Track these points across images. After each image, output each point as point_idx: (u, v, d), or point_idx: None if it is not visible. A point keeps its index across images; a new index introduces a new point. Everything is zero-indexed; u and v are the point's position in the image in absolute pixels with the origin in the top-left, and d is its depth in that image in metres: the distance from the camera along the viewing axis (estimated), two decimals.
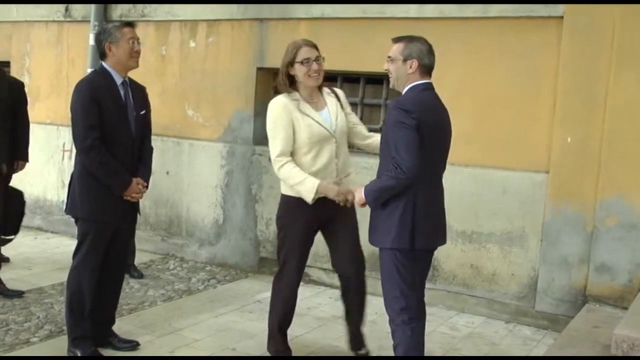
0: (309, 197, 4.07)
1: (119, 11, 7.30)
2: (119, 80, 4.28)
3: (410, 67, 3.64)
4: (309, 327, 5.20)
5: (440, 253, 5.58)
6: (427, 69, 3.69)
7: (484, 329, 5.04)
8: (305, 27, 6.32)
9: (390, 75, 3.75)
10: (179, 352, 4.56)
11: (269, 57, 6.56)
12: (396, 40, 3.74)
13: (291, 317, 4.48)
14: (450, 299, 5.70)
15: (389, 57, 3.73)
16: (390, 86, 3.83)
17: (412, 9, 5.77)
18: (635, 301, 4.48)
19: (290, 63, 4.23)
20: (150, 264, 6.76)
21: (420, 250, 3.65)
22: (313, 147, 4.17)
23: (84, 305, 4.31)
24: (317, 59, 4.22)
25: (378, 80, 6.17)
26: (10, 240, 5.78)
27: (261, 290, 6.02)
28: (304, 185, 4.08)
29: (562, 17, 5.20)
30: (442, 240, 3.83)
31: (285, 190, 4.27)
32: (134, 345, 4.59)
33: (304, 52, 4.20)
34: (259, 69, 6.67)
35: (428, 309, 3.89)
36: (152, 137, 4.63)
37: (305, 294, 5.96)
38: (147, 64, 6.59)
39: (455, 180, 5.47)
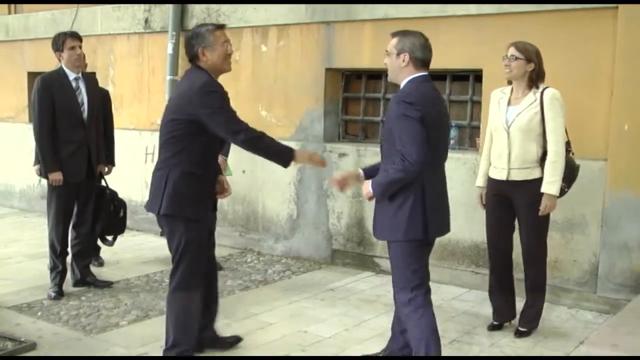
0: None
1: (194, 20, 7.73)
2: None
3: (403, 60, 3.78)
4: (378, 312, 5.47)
5: None
6: (420, 62, 3.81)
7: (546, 313, 5.19)
8: (369, 28, 6.61)
9: (388, 69, 3.91)
10: (254, 335, 4.90)
11: (336, 58, 6.88)
12: (393, 35, 3.91)
13: None
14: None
15: (386, 51, 3.89)
16: (388, 79, 4.00)
17: (472, 7, 5.97)
18: None
19: None
20: (228, 257, 7.16)
21: (431, 240, 3.88)
22: None
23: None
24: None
25: (441, 76, 6.40)
26: (110, 242, 6.07)
27: (334, 280, 6.33)
28: None
29: (617, 8, 5.32)
30: (447, 229, 3.99)
31: None
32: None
33: None
34: (327, 70, 6.98)
35: None
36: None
37: (375, 282, 6.28)
38: None
39: None
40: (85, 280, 5.96)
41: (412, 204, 3.71)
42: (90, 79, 5.95)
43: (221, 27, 4.18)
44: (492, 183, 4.86)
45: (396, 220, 3.76)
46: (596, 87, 5.46)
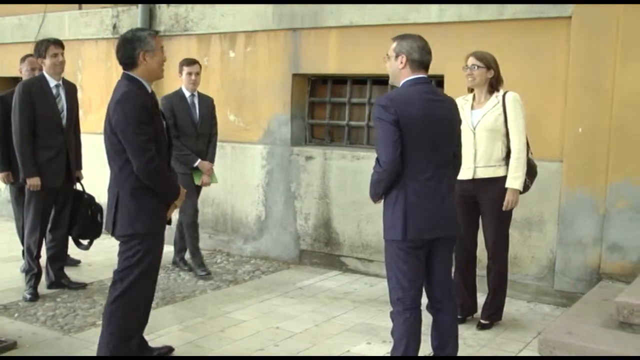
0: None
1: (162, 27, 7.88)
2: (149, 89, 4.16)
3: (401, 62, 3.82)
4: (346, 308, 5.68)
5: None
6: (418, 64, 3.82)
7: (506, 307, 5.44)
8: (335, 35, 6.84)
9: (388, 72, 3.97)
10: (228, 331, 5.09)
11: (302, 63, 7.08)
12: (393, 39, 3.96)
13: None
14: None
15: (386, 54, 3.95)
16: (390, 82, 4.11)
17: (432, 15, 6.23)
18: None
19: None
20: None
21: (414, 241, 3.75)
22: None
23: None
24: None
25: None
26: (86, 246, 6.05)
27: (302, 279, 6.53)
28: None
29: (570, 17, 5.62)
30: (444, 231, 3.84)
31: None
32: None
33: None
34: (294, 75, 7.18)
35: None
36: None
37: (343, 280, 6.49)
38: None
39: None
40: (60, 282, 6.07)
41: (394, 205, 3.76)
42: (70, 86, 6.07)
43: (157, 33, 4.25)
44: (457, 184, 5.06)
45: (385, 219, 3.85)
46: (552, 93, 5.76)
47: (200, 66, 6.62)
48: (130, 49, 4.06)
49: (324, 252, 6.98)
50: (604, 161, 5.51)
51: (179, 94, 6.52)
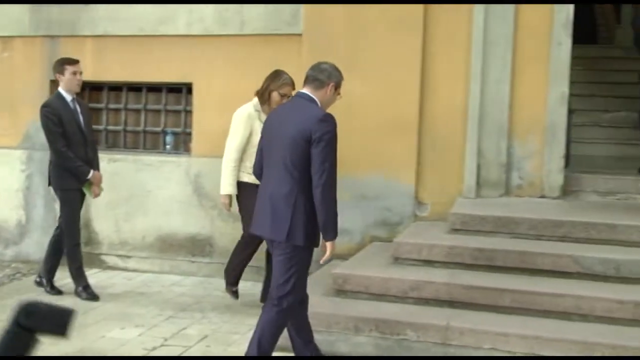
0: None
1: None
2: None
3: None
4: (104, 301, 6.08)
5: (215, 232, 6.70)
6: (305, 81, 4.26)
7: (252, 289, 6.12)
8: (91, 44, 7.17)
9: None
10: None
11: None
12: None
13: None
14: None
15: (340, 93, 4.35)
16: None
17: (181, 28, 6.80)
18: (359, 252, 5.81)
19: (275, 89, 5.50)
20: None
21: (259, 237, 4.44)
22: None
23: None
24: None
25: (158, 88, 7.15)
26: None
27: (64, 278, 6.75)
28: None
29: (301, 35, 6.44)
30: (268, 232, 4.10)
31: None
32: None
33: (285, 89, 5.49)
34: (52, 81, 7.34)
35: (207, 280, 4.77)
36: None
37: (102, 277, 6.85)
38: None
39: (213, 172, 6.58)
40: None
41: (312, 214, 3.99)
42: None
43: None
44: (253, 186, 5.23)
45: (305, 227, 4.03)
46: None
47: None
48: None
49: (85, 251, 7.21)
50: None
51: (60, 98, 5.99)
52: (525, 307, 4.82)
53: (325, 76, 4.16)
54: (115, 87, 7.42)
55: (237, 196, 5.63)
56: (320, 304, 4.91)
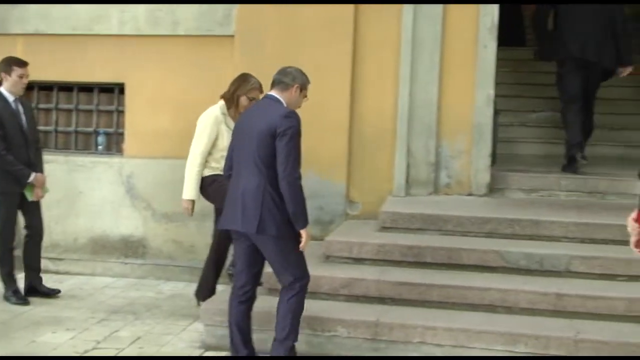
0: None
1: None
2: None
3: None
4: (34, 305, 5.99)
5: (148, 233, 6.69)
6: (272, 84, 4.46)
7: (185, 290, 6.16)
8: (22, 43, 7.03)
9: None
10: None
11: None
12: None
13: None
14: (159, 271, 6.77)
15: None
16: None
17: (114, 27, 6.76)
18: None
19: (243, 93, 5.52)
20: None
21: (227, 231, 4.54)
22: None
23: None
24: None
25: (89, 89, 7.09)
26: None
27: None
28: None
29: (233, 36, 6.47)
30: (240, 225, 4.32)
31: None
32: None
33: (253, 93, 5.48)
34: None
35: (141, 281, 4.76)
36: None
37: None
38: None
39: (159, 171, 6.58)
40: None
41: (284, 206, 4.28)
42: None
43: None
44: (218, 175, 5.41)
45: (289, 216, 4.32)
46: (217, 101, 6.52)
47: None
48: None
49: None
50: None
51: (2, 99, 5.85)
52: (453, 301, 4.99)
53: (290, 79, 4.41)
54: (46, 87, 7.31)
55: (204, 193, 5.58)
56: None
